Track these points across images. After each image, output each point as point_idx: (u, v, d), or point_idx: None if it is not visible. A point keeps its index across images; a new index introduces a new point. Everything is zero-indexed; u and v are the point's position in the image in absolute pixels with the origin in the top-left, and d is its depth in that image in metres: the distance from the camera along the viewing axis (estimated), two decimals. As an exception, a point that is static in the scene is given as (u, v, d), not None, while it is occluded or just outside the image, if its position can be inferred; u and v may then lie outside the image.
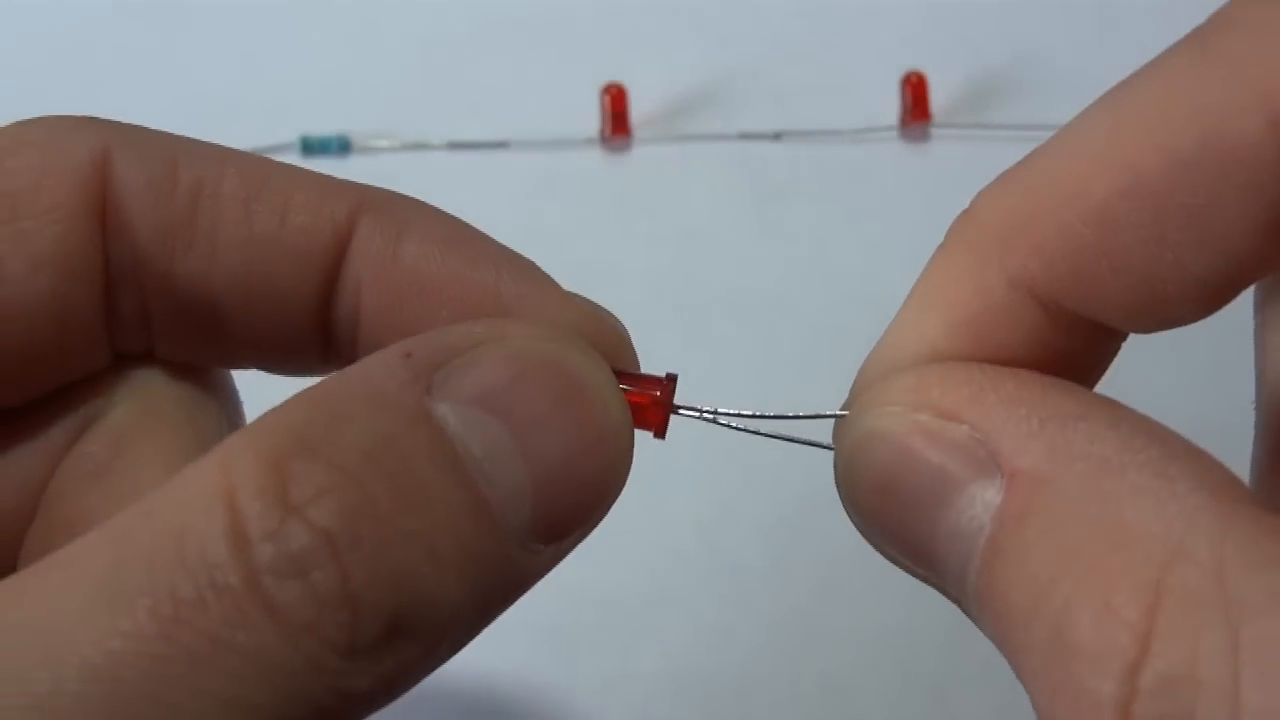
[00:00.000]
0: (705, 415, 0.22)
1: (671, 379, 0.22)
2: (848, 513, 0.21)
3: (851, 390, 0.22)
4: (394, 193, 0.24)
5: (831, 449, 0.22)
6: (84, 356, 0.24)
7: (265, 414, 0.18)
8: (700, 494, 0.41)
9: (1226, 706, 0.16)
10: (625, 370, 0.22)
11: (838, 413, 0.22)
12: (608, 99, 0.49)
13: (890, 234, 0.47)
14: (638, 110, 0.50)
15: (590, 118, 0.49)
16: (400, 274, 0.23)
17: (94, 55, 0.52)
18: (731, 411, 0.23)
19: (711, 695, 0.38)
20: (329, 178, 0.23)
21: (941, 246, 0.22)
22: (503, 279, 0.23)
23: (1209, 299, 0.20)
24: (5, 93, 0.51)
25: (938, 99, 0.49)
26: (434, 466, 0.18)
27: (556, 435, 0.19)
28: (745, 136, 0.49)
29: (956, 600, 0.20)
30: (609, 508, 0.20)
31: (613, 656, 0.38)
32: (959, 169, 0.49)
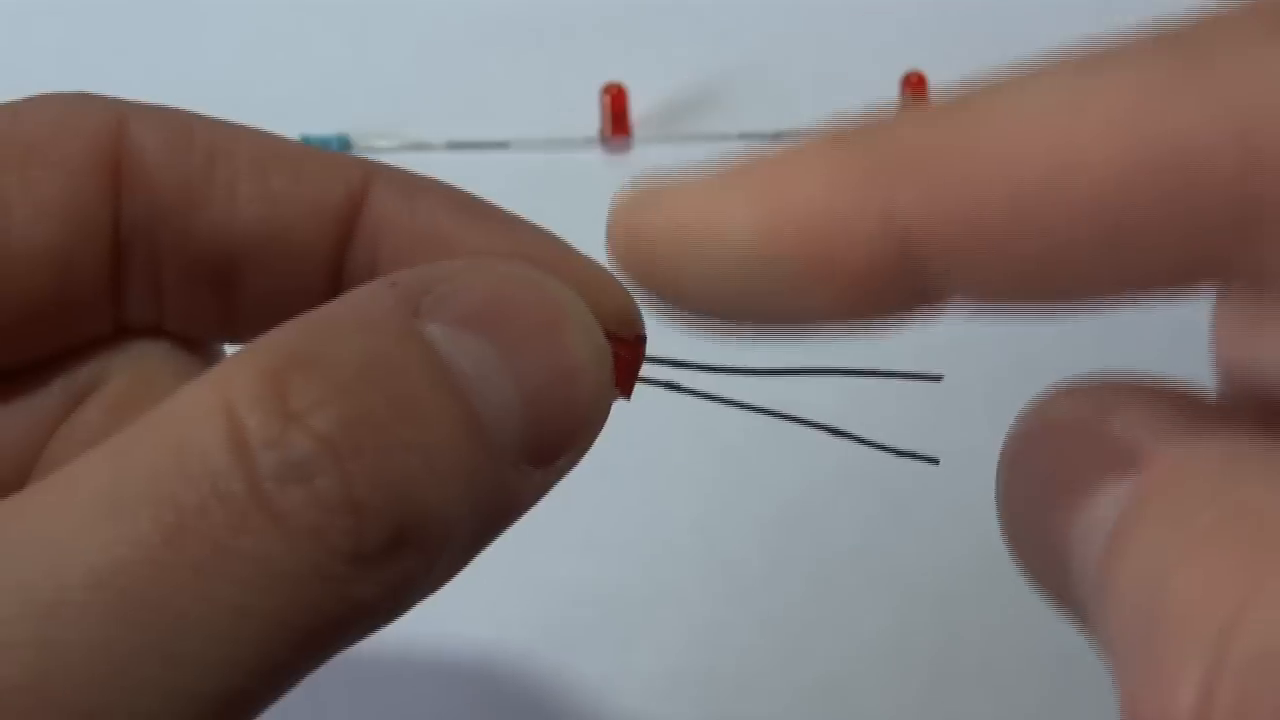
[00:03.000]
0: (671, 381, 0.23)
1: (640, 339, 0.22)
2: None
3: None
4: (402, 168, 0.24)
5: (809, 423, 0.22)
6: (85, 318, 0.23)
7: (256, 340, 0.18)
8: (697, 491, 0.41)
9: None
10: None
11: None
12: (608, 99, 0.49)
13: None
14: (638, 110, 0.50)
15: (590, 118, 0.49)
16: (416, 231, 0.23)
17: (93, 54, 0.52)
18: (701, 363, 0.22)
19: (708, 693, 0.38)
20: (337, 153, 0.24)
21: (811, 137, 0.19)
22: (520, 239, 0.23)
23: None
24: (3, 92, 0.51)
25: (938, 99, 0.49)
26: (427, 381, 0.18)
27: (544, 355, 0.20)
28: (745, 136, 0.50)
29: (1087, 622, 0.20)
30: (594, 436, 0.21)
31: (609, 654, 0.38)
32: (959, 169, 0.49)
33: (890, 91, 0.49)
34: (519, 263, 0.21)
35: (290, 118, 0.50)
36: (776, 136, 0.49)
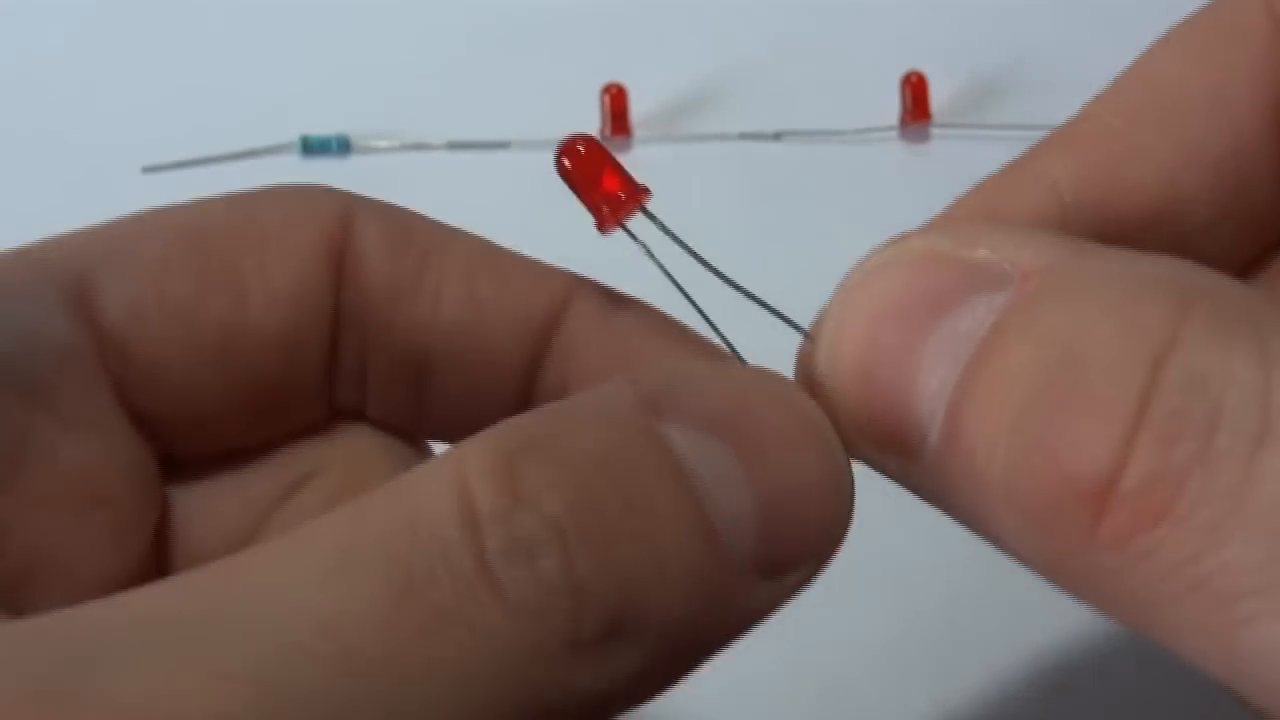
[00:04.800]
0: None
1: (646, 192, 0.23)
2: (828, 374, 0.20)
3: None
4: (603, 284, 0.25)
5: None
6: (306, 403, 0.24)
7: (494, 425, 0.19)
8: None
9: (1258, 404, 0.16)
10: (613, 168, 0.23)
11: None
12: (608, 99, 0.49)
13: (890, 234, 0.47)
14: (638, 110, 0.50)
15: (590, 118, 0.49)
16: (612, 349, 0.24)
17: (94, 54, 0.52)
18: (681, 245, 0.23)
19: (710, 694, 0.38)
20: (543, 263, 0.25)
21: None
22: (713, 359, 0.23)
23: (1225, 204, 0.22)
24: (3, 92, 0.51)
25: (938, 99, 0.49)
26: (661, 481, 0.18)
27: (784, 468, 0.19)
28: (745, 136, 0.49)
29: (916, 457, 0.19)
30: (832, 554, 0.20)
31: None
32: (959, 169, 0.48)
33: (890, 91, 0.49)
34: (764, 371, 0.21)
35: (290, 118, 0.50)
36: (776, 136, 0.49)
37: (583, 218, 0.52)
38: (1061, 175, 0.23)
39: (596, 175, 0.22)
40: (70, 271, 0.22)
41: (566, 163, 0.23)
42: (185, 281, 0.23)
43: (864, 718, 0.38)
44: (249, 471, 0.24)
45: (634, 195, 0.22)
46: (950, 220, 0.23)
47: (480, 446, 0.18)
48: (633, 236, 0.23)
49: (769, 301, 0.23)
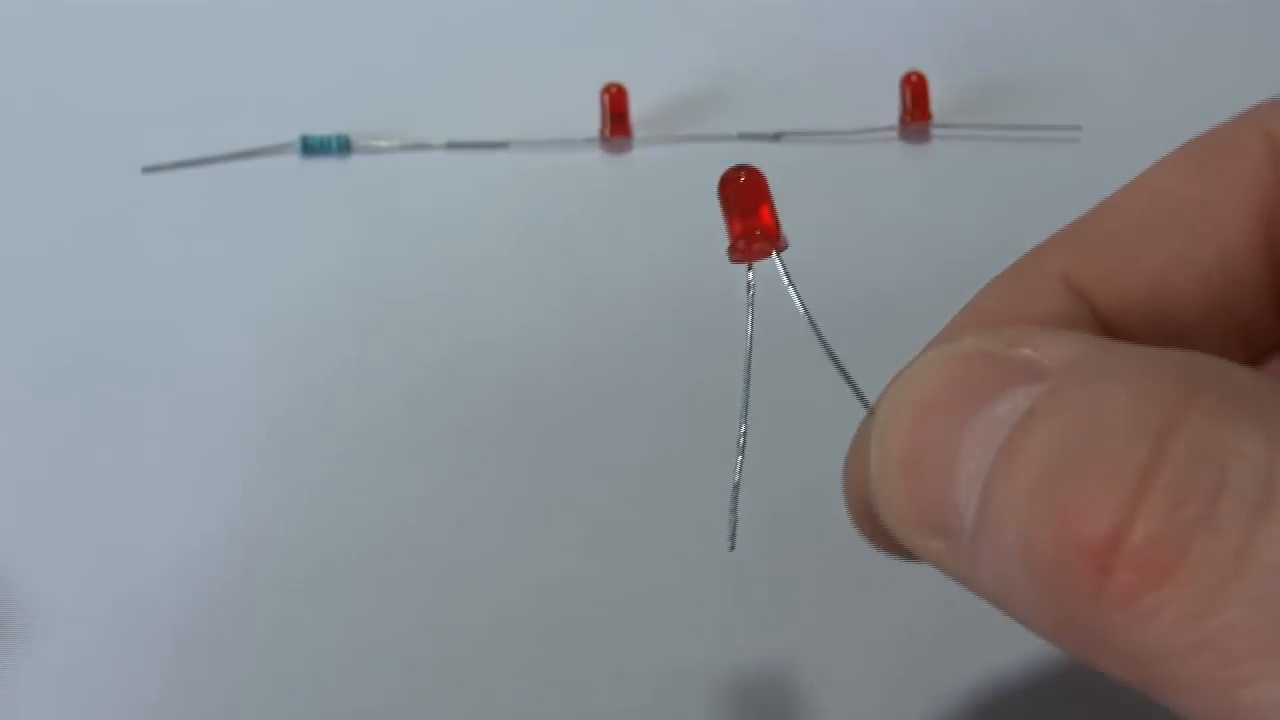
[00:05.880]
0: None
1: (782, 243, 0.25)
2: (877, 462, 0.22)
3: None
4: None
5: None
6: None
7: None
8: (699, 492, 0.41)
9: (1261, 478, 0.16)
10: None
11: None
12: (608, 99, 0.49)
13: (890, 234, 0.47)
14: (638, 110, 0.50)
15: (590, 118, 0.49)
16: None
17: (93, 54, 0.52)
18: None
19: (710, 694, 0.38)
20: None
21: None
22: None
23: (1213, 307, 0.24)
24: (3, 91, 0.51)
25: (938, 99, 0.49)
26: None
27: None
28: (745, 136, 0.49)
29: (956, 537, 0.20)
30: None
31: (611, 655, 0.38)
32: (959, 169, 0.49)
33: (890, 91, 0.49)
34: None
35: (290, 118, 0.50)
36: (776, 137, 0.49)
37: (580, 218, 0.52)
38: (1071, 272, 0.25)
39: (753, 206, 0.24)
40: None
41: (740, 179, 0.25)
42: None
43: (864, 717, 0.38)
44: None
45: (772, 240, 0.24)
46: (978, 314, 0.25)
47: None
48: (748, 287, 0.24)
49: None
